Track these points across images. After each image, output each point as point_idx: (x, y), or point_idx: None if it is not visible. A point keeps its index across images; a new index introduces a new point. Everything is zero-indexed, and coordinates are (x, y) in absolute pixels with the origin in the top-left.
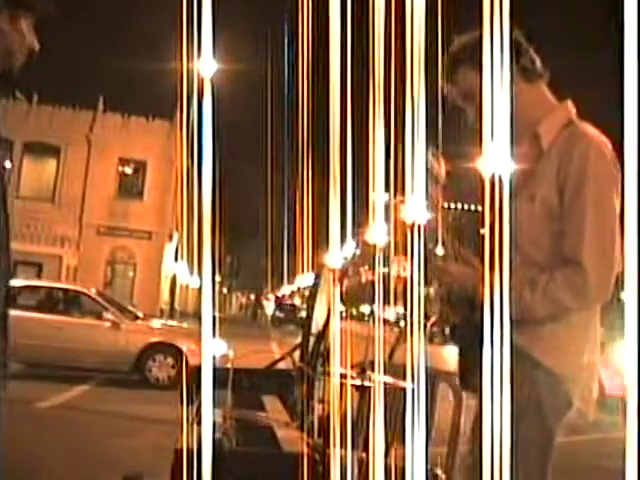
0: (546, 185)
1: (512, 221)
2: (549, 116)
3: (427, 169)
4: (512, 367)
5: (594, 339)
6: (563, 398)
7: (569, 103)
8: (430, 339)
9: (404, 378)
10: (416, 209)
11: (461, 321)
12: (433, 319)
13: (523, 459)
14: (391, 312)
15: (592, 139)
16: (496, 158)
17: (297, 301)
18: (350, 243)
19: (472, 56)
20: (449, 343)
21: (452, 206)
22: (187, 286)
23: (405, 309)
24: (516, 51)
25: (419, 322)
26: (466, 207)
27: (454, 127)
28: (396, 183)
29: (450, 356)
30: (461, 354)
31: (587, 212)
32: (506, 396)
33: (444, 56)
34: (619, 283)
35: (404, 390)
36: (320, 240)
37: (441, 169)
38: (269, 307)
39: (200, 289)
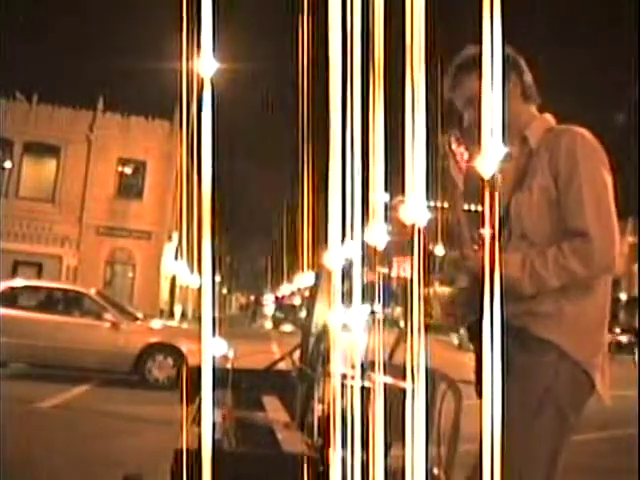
0: (541, 175)
1: (515, 213)
2: (533, 122)
3: (448, 153)
4: (535, 358)
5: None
6: (586, 384)
7: (548, 115)
8: (459, 345)
9: (404, 378)
10: (416, 209)
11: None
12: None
13: (542, 453)
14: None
15: (574, 129)
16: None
17: (297, 301)
18: (350, 243)
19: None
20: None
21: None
22: (187, 286)
23: (405, 309)
24: (519, 72)
25: (419, 322)
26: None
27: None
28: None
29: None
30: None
31: (583, 187)
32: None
33: (452, 63)
34: None
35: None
36: (320, 240)
37: (464, 156)
38: (269, 307)
39: (200, 289)
